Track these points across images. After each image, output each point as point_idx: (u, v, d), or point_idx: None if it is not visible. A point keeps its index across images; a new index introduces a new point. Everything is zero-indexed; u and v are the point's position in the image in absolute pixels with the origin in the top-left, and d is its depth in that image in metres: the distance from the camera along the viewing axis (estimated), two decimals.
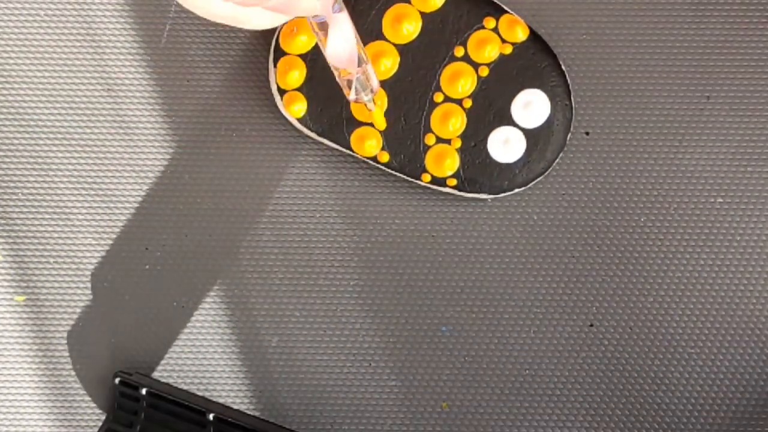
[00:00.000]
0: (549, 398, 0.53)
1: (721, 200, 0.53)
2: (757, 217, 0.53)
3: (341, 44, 0.44)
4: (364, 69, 0.46)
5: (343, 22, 0.44)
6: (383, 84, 0.51)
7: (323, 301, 0.53)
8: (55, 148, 0.53)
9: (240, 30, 0.53)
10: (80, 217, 0.53)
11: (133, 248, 0.53)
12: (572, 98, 0.51)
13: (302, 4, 0.41)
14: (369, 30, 0.51)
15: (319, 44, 0.46)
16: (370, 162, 0.52)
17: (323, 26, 0.44)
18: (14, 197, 0.53)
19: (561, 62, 0.51)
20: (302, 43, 0.51)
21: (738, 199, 0.53)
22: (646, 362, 0.53)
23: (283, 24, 0.51)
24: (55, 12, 0.53)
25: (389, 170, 0.52)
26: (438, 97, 0.51)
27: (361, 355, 0.53)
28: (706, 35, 0.53)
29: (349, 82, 0.47)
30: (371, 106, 0.48)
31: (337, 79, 0.47)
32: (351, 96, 0.47)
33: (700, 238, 0.53)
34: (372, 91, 0.47)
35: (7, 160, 0.53)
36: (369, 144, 0.51)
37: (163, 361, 0.53)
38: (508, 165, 0.51)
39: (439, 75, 0.51)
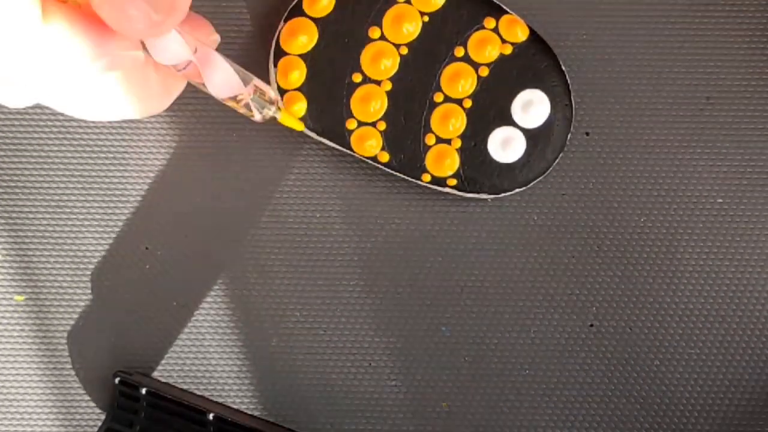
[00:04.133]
0: (549, 398, 0.53)
1: (720, 200, 0.53)
2: (757, 217, 0.53)
3: (222, 79, 0.41)
4: (253, 86, 0.43)
5: (210, 57, 0.40)
6: (384, 83, 0.51)
7: (323, 301, 0.53)
8: (54, 147, 0.53)
9: (240, 30, 0.53)
10: (80, 216, 0.53)
11: (133, 248, 0.53)
12: (572, 98, 0.51)
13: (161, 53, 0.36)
14: (369, 30, 0.51)
15: (199, 87, 0.41)
16: (370, 162, 0.52)
17: (194, 73, 0.40)
18: (14, 197, 0.53)
19: (561, 62, 0.51)
20: (302, 43, 0.51)
21: (738, 199, 0.53)
22: (646, 362, 0.53)
23: (284, 24, 0.51)
24: None
25: (389, 170, 0.52)
26: (438, 97, 0.51)
27: (361, 355, 0.53)
28: (706, 36, 0.53)
29: (248, 106, 0.43)
30: (279, 115, 0.46)
31: (237, 109, 0.44)
32: (257, 117, 0.44)
33: (700, 238, 0.53)
34: (272, 102, 0.44)
35: (7, 159, 0.53)
36: (369, 144, 0.51)
37: (163, 361, 0.53)
38: (508, 165, 0.51)
39: (440, 75, 0.51)
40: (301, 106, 0.51)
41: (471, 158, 0.51)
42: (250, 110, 0.44)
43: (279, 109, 0.45)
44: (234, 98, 0.43)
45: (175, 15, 0.34)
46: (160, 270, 0.53)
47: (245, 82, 0.43)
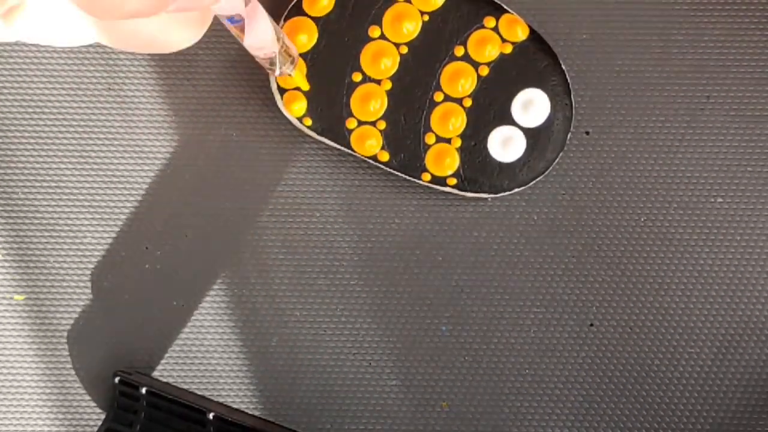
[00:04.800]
0: (549, 398, 0.53)
1: (721, 200, 0.53)
2: (757, 217, 0.53)
3: (261, 33, 0.42)
4: (282, 43, 0.45)
5: (257, 10, 0.41)
6: (384, 82, 0.51)
7: (323, 301, 0.53)
8: (54, 147, 0.53)
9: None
10: (80, 216, 0.53)
11: (133, 248, 0.53)
12: (572, 98, 0.52)
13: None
14: (369, 29, 0.51)
15: (236, 37, 0.42)
16: (370, 161, 0.52)
17: (239, 24, 0.41)
18: (14, 196, 0.53)
19: (561, 62, 0.51)
20: (302, 42, 0.51)
21: (738, 199, 0.53)
22: (646, 362, 0.53)
23: (284, 23, 0.51)
24: None
25: (389, 169, 0.52)
26: (438, 97, 0.51)
27: (361, 355, 0.53)
28: (706, 35, 0.53)
29: (272, 60, 0.45)
30: (293, 73, 0.48)
31: (258, 60, 0.45)
32: (278, 72, 0.46)
33: (700, 238, 0.53)
34: (293, 61, 0.46)
35: (6, 159, 0.53)
36: (369, 143, 0.51)
37: (163, 361, 0.53)
38: (508, 164, 0.51)
39: (440, 74, 0.51)
40: (301, 105, 0.51)
41: (471, 157, 0.51)
42: (274, 64, 0.44)
43: (294, 67, 0.46)
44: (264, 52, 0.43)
45: None
46: (160, 270, 0.53)
47: (277, 38, 0.43)
